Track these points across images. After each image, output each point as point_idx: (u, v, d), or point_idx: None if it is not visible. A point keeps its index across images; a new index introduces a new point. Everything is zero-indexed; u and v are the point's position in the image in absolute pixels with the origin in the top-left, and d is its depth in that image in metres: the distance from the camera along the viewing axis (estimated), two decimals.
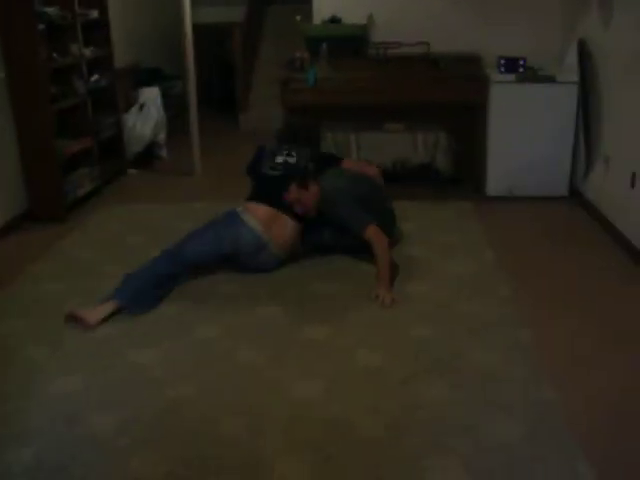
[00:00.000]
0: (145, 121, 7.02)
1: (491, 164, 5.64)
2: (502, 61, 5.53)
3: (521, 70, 5.48)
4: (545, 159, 5.53)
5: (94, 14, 6.11)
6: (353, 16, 6.03)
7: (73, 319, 3.66)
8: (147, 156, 7.17)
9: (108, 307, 3.73)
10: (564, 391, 2.99)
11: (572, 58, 5.49)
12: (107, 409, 2.93)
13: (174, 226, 5.04)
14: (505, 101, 5.48)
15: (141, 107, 7.03)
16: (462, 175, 5.97)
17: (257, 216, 4.10)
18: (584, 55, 5.32)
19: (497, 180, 5.66)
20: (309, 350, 3.38)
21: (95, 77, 6.12)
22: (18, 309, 3.90)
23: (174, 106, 8.17)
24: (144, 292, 3.82)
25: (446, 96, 5.59)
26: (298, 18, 6.16)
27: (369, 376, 3.14)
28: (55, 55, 5.50)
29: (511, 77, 5.45)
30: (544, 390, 3.00)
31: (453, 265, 4.33)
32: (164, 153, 7.38)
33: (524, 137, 5.51)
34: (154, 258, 4.01)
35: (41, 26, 5.22)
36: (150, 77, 7.84)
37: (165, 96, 7.60)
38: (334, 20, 6.03)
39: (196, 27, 6.59)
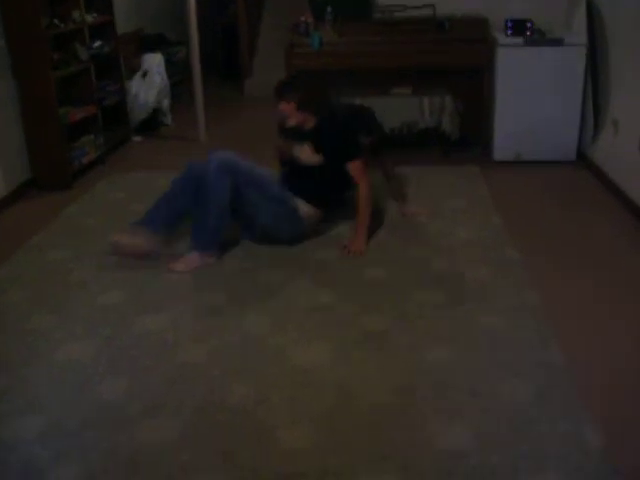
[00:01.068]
0: (149, 88, 6.96)
1: (498, 128, 5.59)
2: (509, 23, 5.45)
3: (528, 33, 5.41)
4: (552, 123, 5.48)
5: None
6: None
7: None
8: (151, 123, 7.13)
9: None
10: (573, 353, 2.99)
11: (580, 20, 5.40)
12: (116, 376, 2.94)
13: None
14: (512, 64, 5.41)
15: (144, 74, 6.98)
16: (469, 139, 5.92)
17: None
18: (593, 17, 5.24)
19: (504, 144, 5.61)
20: (314, 317, 3.37)
21: (97, 43, 6.05)
22: (23, 277, 3.90)
23: (178, 72, 8.12)
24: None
25: (452, 59, 5.53)
26: None
27: (374, 341, 3.14)
28: (56, 21, 5.44)
29: (518, 40, 5.38)
30: (552, 352, 3.00)
31: (460, 229, 4.31)
32: (168, 120, 7.34)
33: (531, 101, 5.44)
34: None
35: None
36: (153, 43, 7.77)
37: (169, 62, 7.55)
38: None
39: None
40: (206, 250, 3.91)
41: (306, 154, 4.12)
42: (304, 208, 4.11)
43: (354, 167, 4.07)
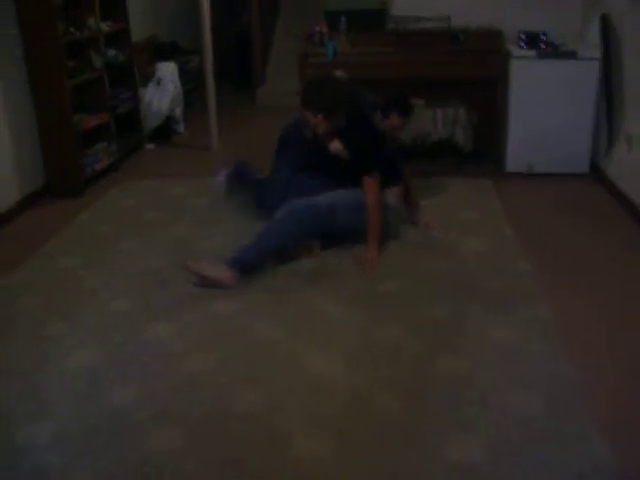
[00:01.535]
0: (162, 96, 6.99)
1: (511, 140, 5.58)
2: (523, 36, 5.46)
3: (542, 45, 5.41)
4: (566, 136, 5.47)
5: None
6: None
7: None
8: (164, 131, 7.15)
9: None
10: (583, 366, 2.98)
11: (594, 34, 5.40)
12: (125, 383, 2.94)
13: (191, 201, 5.05)
14: (526, 77, 5.41)
15: (158, 82, 7.01)
16: (482, 151, 5.91)
17: None
18: (607, 31, 5.24)
19: (517, 156, 5.60)
20: (326, 324, 3.37)
21: (112, 51, 6.10)
22: (36, 284, 3.91)
23: (191, 81, 8.15)
24: None
25: (466, 71, 5.52)
26: None
27: (387, 352, 3.13)
28: (72, 29, 5.48)
29: (532, 52, 5.38)
30: (563, 365, 2.99)
31: (472, 241, 4.30)
32: (181, 128, 7.36)
33: (544, 113, 5.44)
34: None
35: (58, 0, 5.20)
36: (167, 51, 7.82)
37: (182, 70, 7.58)
38: None
39: (213, 0, 6.53)
40: (233, 267, 3.80)
41: (336, 146, 4.21)
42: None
43: (367, 182, 4.12)
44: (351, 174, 4.20)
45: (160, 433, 2.63)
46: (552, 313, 3.44)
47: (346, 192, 4.21)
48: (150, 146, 6.84)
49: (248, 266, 3.84)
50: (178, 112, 7.30)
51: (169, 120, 7.21)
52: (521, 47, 5.44)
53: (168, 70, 7.14)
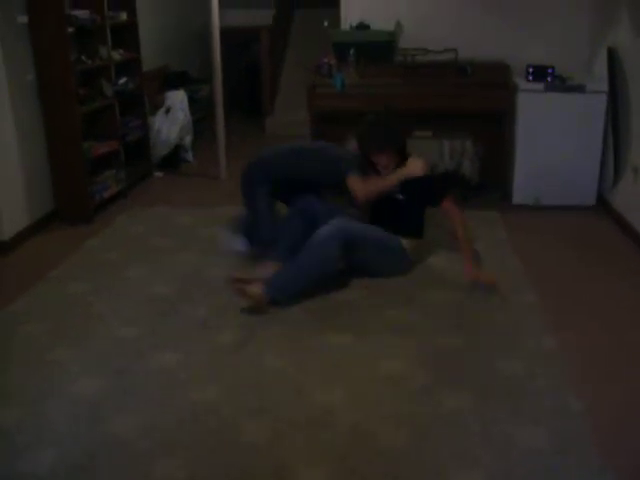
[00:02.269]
0: (171, 124, 7.05)
1: (518, 173, 5.60)
2: (530, 69, 5.50)
3: (549, 79, 5.44)
4: (572, 169, 5.48)
5: (123, 17, 6.16)
6: (381, 22, 6.02)
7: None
8: (173, 159, 7.19)
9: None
10: (590, 400, 2.96)
11: (601, 67, 5.44)
12: (129, 411, 2.94)
13: (199, 229, 5.07)
14: (533, 110, 5.44)
15: (168, 110, 7.07)
16: (488, 183, 5.92)
17: None
18: (614, 64, 5.27)
19: (523, 189, 5.62)
20: (332, 356, 3.37)
21: (123, 80, 6.16)
22: (43, 309, 3.93)
23: (200, 110, 8.21)
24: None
25: (473, 104, 5.55)
26: (326, 23, 6.16)
27: (391, 384, 3.12)
28: (84, 58, 5.55)
29: (539, 86, 5.41)
30: (570, 400, 2.97)
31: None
32: (190, 156, 7.40)
33: (552, 146, 5.46)
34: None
35: (71, 29, 5.28)
36: (177, 80, 7.88)
37: (192, 100, 7.64)
38: (362, 26, 6.01)
39: (223, 31, 6.60)
40: (268, 292, 3.83)
41: (390, 177, 4.24)
42: (405, 244, 4.24)
43: (447, 204, 4.20)
44: (414, 210, 4.28)
45: (164, 463, 2.62)
46: (558, 346, 3.43)
47: (382, 231, 4.20)
48: (159, 174, 6.87)
49: (286, 292, 3.88)
50: (187, 141, 7.34)
51: (178, 149, 7.26)
52: (528, 80, 5.47)
53: (177, 99, 7.19)
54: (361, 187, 4.25)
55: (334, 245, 3.88)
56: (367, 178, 4.28)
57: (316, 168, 4.37)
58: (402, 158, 4.27)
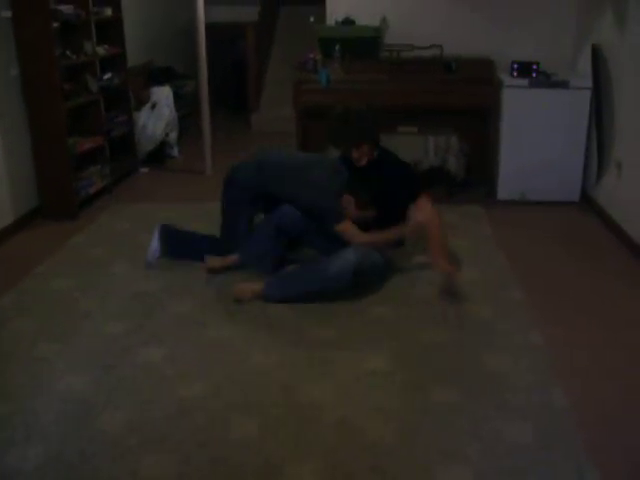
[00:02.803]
0: (157, 120, 7.03)
1: (503, 168, 5.63)
2: (515, 65, 5.52)
3: (534, 75, 5.47)
4: (557, 164, 5.52)
5: (108, 12, 6.13)
6: (367, 18, 6.03)
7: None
8: (159, 155, 7.18)
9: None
10: (577, 396, 2.99)
11: (586, 64, 5.47)
12: (116, 408, 2.94)
13: (185, 225, 5.05)
14: (517, 106, 5.47)
15: (153, 106, 7.05)
16: (473, 179, 5.95)
17: None
18: (598, 60, 5.30)
19: (508, 184, 5.65)
20: (318, 351, 3.38)
21: (108, 75, 6.13)
22: (29, 306, 3.91)
23: (186, 105, 8.19)
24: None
25: (458, 100, 5.57)
26: (311, 19, 6.16)
27: (378, 380, 3.14)
28: (69, 53, 5.52)
29: (524, 82, 5.44)
30: (556, 395, 2.99)
31: (464, 269, 4.32)
32: (175, 152, 7.39)
33: (536, 142, 5.50)
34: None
35: (56, 24, 5.25)
36: (162, 76, 7.86)
37: (177, 95, 7.62)
38: (347, 21, 6.02)
39: (209, 26, 6.58)
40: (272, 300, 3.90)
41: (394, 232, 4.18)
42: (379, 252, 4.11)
43: (422, 201, 4.14)
44: (394, 212, 4.21)
45: (151, 459, 2.62)
46: (544, 341, 3.45)
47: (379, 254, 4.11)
48: (144, 170, 6.86)
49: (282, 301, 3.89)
50: (173, 136, 7.33)
51: (163, 144, 7.24)
52: (513, 76, 5.50)
53: (163, 94, 7.18)
54: (357, 234, 4.03)
55: (348, 278, 3.83)
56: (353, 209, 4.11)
57: (298, 195, 4.16)
58: (375, 146, 4.19)
